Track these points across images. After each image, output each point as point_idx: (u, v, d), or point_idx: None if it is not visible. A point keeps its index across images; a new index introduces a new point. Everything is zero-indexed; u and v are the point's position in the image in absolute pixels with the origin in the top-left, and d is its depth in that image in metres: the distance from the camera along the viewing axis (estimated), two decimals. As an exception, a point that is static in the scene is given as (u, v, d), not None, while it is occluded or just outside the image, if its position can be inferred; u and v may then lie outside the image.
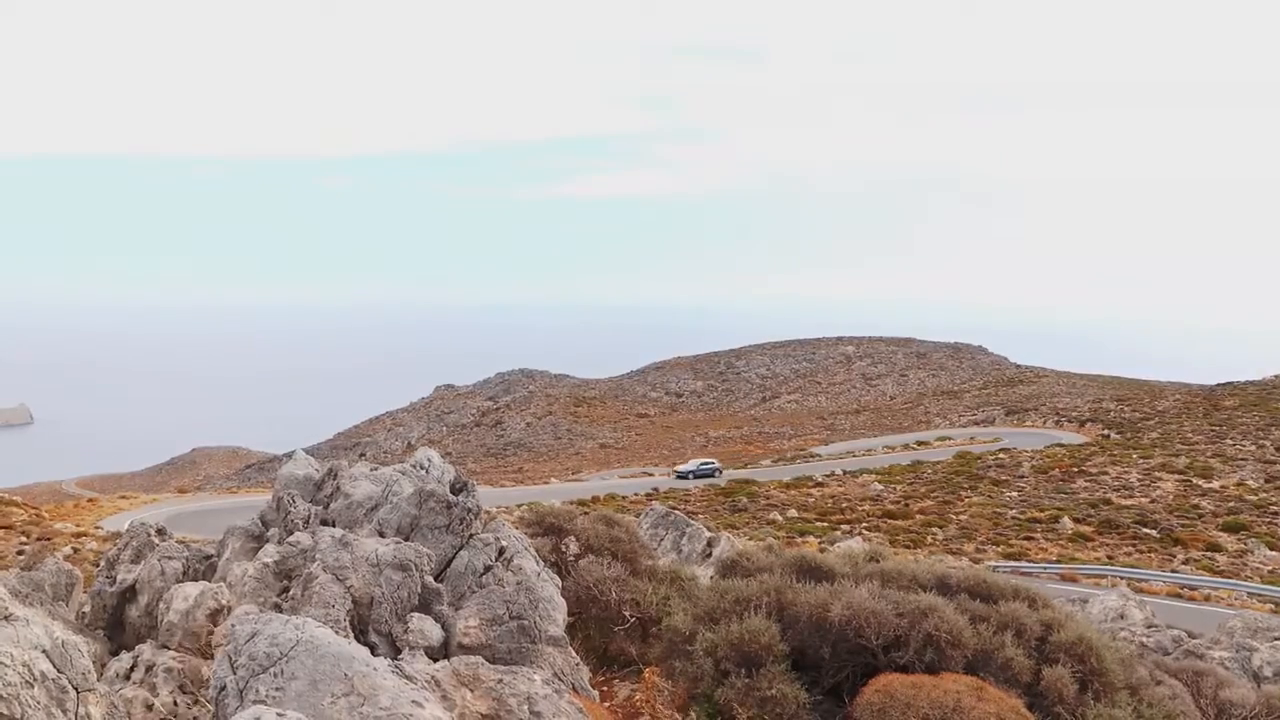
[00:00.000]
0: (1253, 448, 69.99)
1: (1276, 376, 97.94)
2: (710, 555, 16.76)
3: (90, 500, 62.78)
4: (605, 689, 10.50)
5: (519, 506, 39.47)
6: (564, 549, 12.84)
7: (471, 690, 5.98)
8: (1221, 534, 45.83)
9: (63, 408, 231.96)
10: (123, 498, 64.08)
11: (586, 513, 14.89)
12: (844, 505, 54.47)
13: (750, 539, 30.63)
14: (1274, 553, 42.83)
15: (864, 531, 45.91)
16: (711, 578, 12.71)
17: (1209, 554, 42.57)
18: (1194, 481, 58.05)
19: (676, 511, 19.65)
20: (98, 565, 13.74)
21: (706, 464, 70.20)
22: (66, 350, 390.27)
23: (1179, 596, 34.19)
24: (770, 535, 40.24)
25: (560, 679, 8.35)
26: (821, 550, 25.51)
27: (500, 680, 6.05)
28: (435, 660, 7.16)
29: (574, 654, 9.37)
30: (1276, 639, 19.22)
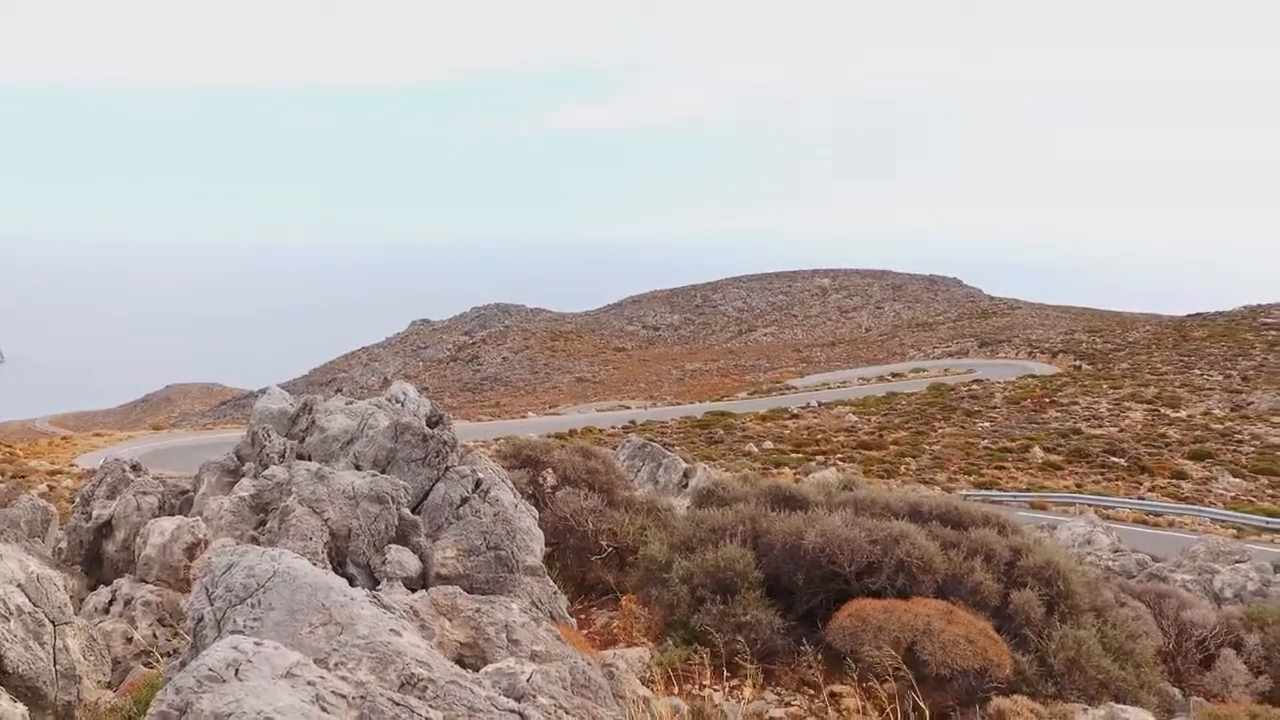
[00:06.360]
0: (1220, 377, 71.08)
1: (1244, 308, 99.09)
2: (687, 486, 16.92)
3: (64, 438, 62.45)
4: (583, 617, 10.65)
5: (496, 440, 39.58)
6: (541, 481, 12.92)
7: (450, 619, 6.04)
8: (1187, 462, 46.71)
9: (33, 346, 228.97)
10: (97, 435, 63.77)
11: (564, 445, 14.95)
12: (819, 436, 55.00)
13: (726, 470, 30.94)
14: (1237, 480, 43.76)
15: (839, 462, 46.44)
16: (688, 508, 12.84)
17: (1175, 481, 43.43)
18: (1162, 411, 58.98)
19: (653, 443, 19.79)
20: (73, 502, 13.70)
21: None
22: (35, 287, 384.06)
23: (1145, 523, 34.92)
24: (746, 466, 40.64)
25: (538, 607, 8.45)
26: (797, 480, 25.84)
27: (478, 609, 6.11)
28: (413, 591, 7.22)
29: (552, 583, 9.48)
30: (1237, 562, 19.75)
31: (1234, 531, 33.05)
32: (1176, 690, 10.31)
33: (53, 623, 5.98)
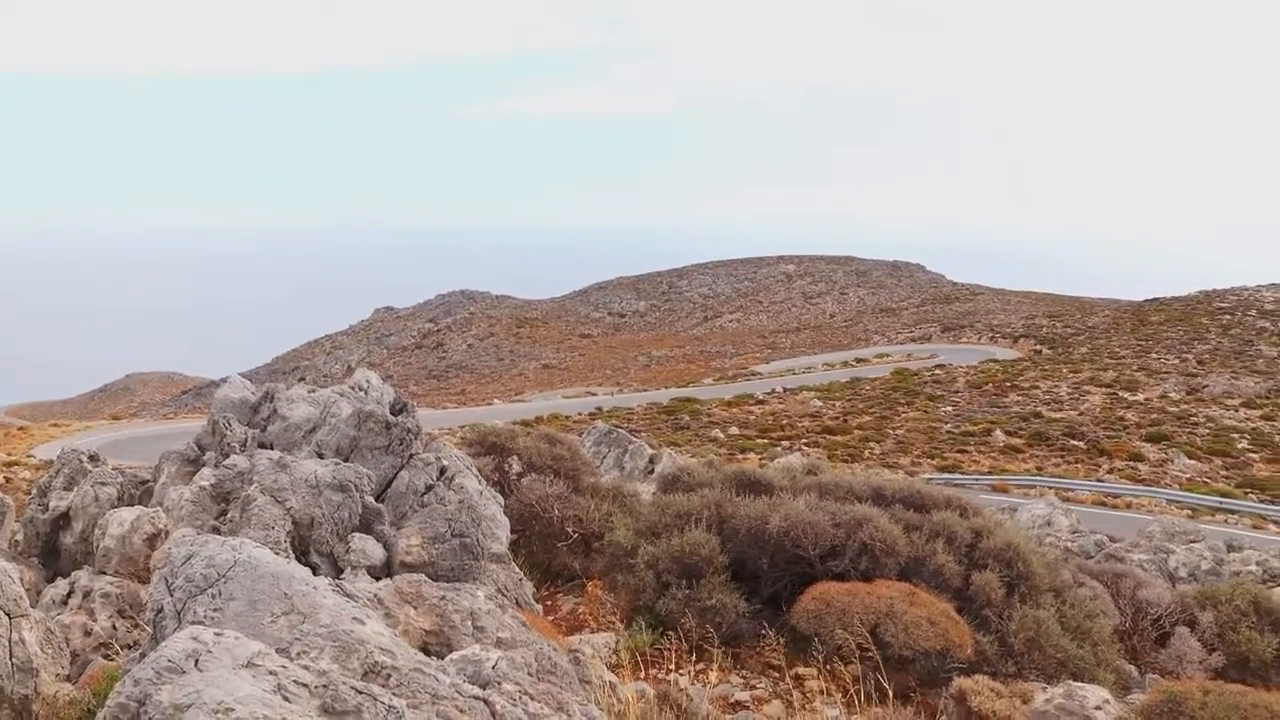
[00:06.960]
0: (1176, 361, 72.35)
1: (1200, 292, 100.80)
2: (652, 472, 16.96)
3: (21, 429, 61.23)
4: (549, 603, 10.66)
5: (461, 428, 39.40)
6: (507, 468, 12.89)
7: (415, 607, 6.02)
8: (1144, 444, 47.52)
9: (14, 340, 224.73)
10: (54, 425, 62.63)
11: (529, 432, 14.92)
12: (784, 422, 55.31)
13: (692, 456, 31.03)
14: (1193, 461, 44.63)
15: (803, 447, 46.74)
16: (653, 493, 12.87)
17: (1132, 463, 44.19)
18: (1120, 394, 59.92)
19: (619, 430, 19.81)
20: (30, 494, 13.47)
21: None
22: (26, 284, 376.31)
23: (1103, 504, 35.50)
24: (712, 452, 40.77)
25: (504, 594, 8.45)
26: (762, 465, 25.95)
27: (443, 597, 6.09)
28: (378, 579, 7.19)
29: (517, 570, 9.48)
30: (1192, 542, 20.16)
31: (1189, 512, 33.72)
32: (1133, 668, 10.51)
33: (8, 615, 5.89)
